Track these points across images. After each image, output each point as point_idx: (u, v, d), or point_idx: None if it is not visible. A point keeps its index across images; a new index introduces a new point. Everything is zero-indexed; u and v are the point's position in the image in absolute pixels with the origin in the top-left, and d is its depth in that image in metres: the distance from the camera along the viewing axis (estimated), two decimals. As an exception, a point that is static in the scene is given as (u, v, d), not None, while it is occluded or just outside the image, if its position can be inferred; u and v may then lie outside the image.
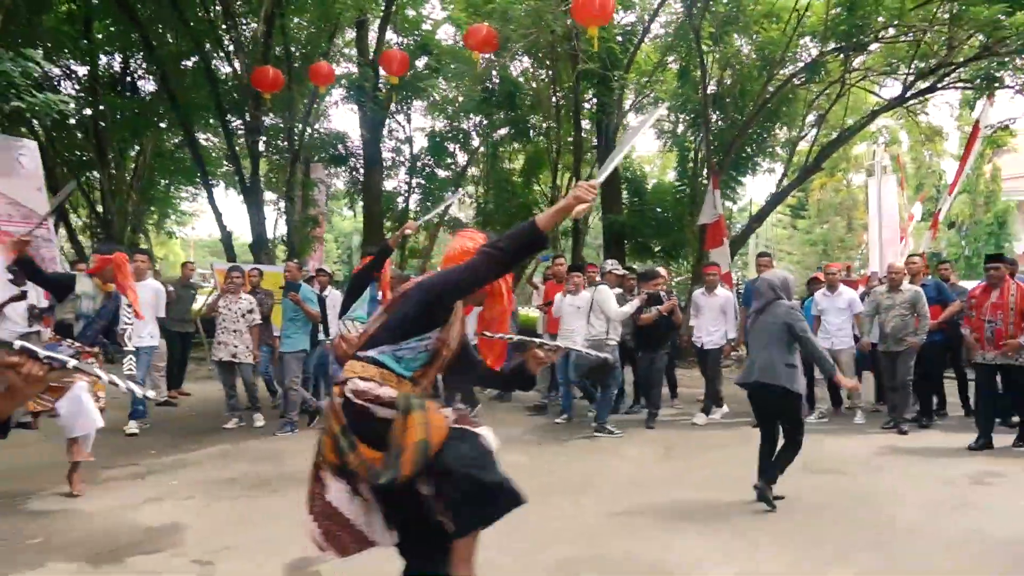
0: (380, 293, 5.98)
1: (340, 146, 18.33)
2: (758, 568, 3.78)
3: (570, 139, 16.53)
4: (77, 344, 5.13)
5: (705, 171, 14.80)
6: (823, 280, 8.58)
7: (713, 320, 8.31)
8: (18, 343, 1.85)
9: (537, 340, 3.25)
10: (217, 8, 14.65)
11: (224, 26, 14.57)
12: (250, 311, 7.76)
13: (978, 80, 12.97)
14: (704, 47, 13.93)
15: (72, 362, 1.88)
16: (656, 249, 16.25)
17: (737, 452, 4.75)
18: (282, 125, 15.21)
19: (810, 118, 16.11)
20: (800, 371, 4.83)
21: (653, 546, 4.07)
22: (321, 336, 8.06)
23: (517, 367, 2.94)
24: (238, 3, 14.78)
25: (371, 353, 2.54)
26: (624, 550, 4.02)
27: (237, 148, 15.58)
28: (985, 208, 26.15)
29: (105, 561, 3.80)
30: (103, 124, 15.86)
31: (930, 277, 8.95)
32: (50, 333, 5.86)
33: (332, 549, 2.54)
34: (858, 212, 32.11)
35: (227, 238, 15.54)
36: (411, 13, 18.26)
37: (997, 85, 12.58)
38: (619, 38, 15.54)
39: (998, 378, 6.81)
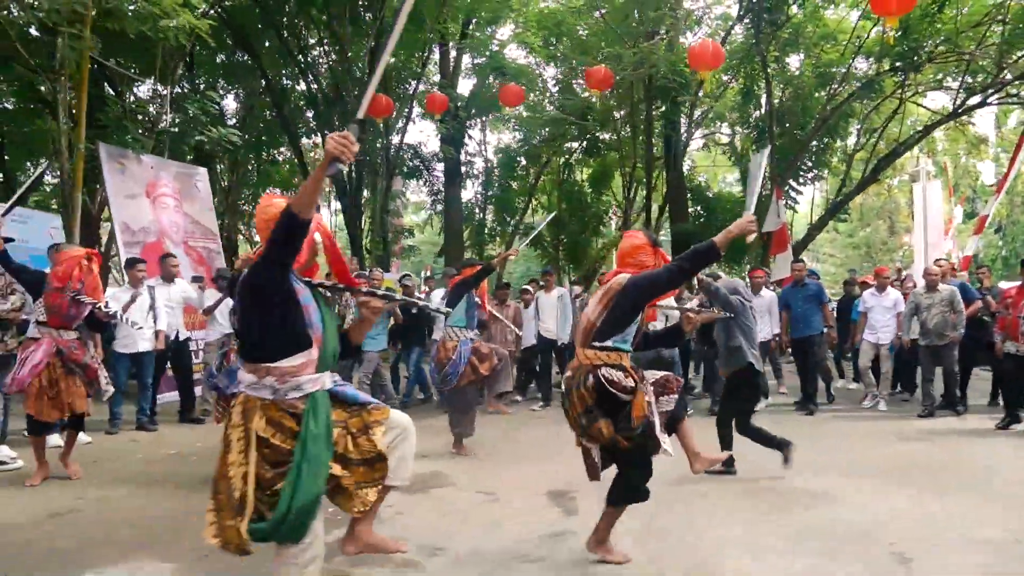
0: (480, 301, 7.03)
1: (417, 159, 19.92)
2: (891, 497, 5.09)
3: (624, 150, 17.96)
4: None
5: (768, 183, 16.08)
6: (871, 282, 9.73)
7: (759, 318, 9.27)
8: (364, 288, 2.98)
9: (687, 307, 4.73)
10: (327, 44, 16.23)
11: (334, 56, 16.13)
12: None
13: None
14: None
15: (398, 296, 3.13)
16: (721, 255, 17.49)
17: (796, 428, 6.01)
18: (379, 143, 16.78)
19: (859, 128, 17.37)
20: None
21: (814, 484, 5.41)
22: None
23: (672, 328, 4.33)
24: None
25: (608, 343, 3.74)
26: (795, 486, 5.38)
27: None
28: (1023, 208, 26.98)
29: (415, 492, 5.22)
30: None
31: (955, 278, 9.84)
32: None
33: (591, 475, 3.90)
34: (900, 215, 33.04)
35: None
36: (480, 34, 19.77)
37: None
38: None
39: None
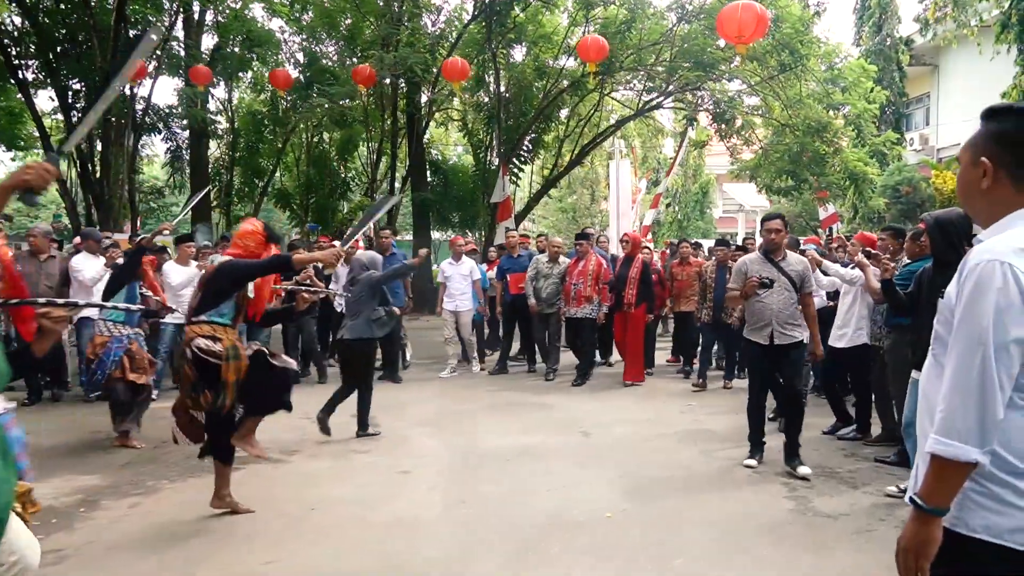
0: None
1: (155, 115, 19.55)
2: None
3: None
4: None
5: (496, 159, 18.75)
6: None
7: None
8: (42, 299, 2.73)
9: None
10: None
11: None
12: None
13: (686, 106, 18.23)
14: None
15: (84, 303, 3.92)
16: (455, 220, 20.01)
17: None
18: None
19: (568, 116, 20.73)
20: None
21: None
22: None
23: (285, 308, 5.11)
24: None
25: (203, 317, 4.07)
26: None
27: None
28: (693, 180, 33.45)
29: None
30: None
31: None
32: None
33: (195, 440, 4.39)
34: (599, 185, 38.40)
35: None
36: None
37: (696, 114, 17.82)
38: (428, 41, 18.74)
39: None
